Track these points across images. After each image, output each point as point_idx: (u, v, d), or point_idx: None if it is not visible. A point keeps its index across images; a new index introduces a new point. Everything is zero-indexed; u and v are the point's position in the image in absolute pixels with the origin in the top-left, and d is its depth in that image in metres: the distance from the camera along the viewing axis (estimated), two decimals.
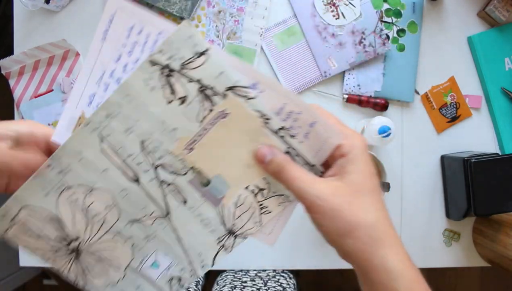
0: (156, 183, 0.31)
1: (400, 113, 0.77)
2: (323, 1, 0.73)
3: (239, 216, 0.32)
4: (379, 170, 0.70)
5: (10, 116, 0.75)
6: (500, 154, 0.74)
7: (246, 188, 0.32)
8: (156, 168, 0.30)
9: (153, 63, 0.28)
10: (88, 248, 0.32)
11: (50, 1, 0.70)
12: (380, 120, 0.66)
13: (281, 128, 0.31)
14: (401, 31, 0.75)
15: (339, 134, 0.32)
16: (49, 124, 0.74)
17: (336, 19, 0.73)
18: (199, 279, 0.78)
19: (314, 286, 1.60)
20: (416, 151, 0.77)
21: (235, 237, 0.32)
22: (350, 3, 0.73)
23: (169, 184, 0.31)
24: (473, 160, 0.68)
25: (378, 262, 0.32)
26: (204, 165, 0.31)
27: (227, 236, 0.32)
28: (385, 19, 0.75)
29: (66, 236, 0.32)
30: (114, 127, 0.30)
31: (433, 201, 0.78)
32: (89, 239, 0.32)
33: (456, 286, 1.60)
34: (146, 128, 0.30)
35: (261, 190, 0.32)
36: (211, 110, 0.29)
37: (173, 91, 0.29)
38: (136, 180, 0.31)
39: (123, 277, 0.33)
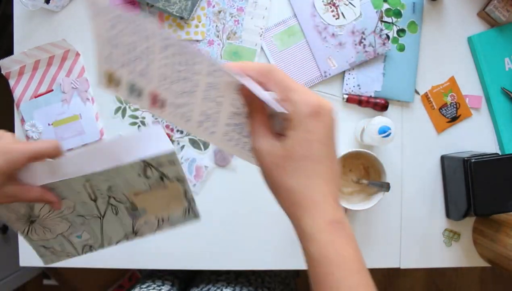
0: (105, 202, 0.49)
1: (400, 113, 0.77)
2: (323, 1, 0.73)
3: (141, 228, 0.52)
4: (379, 169, 0.70)
5: (10, 116, 0.75)
6: (500, 154, 0.74)
7: (155, 217, 0.52)
8: (109, 197, 0.48)
9: (145, 163, 0.45)
10: (40, 221, 0.49)
11: (50, 1, 0.70)
12: (380, 120, 0.66)
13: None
14: (401, 31, 0.75)
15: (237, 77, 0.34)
16: (49, 124, 0.74)
17: (336, 19, 0.73)
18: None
19: None
20: (416, 151, 0.77)
21: (135, 235, 0.52)
22: (350, 3, 0.73)
23: (112, 205, 0.49)
24: (473, 160, 0.68)
25: (296, 223, 0.36)
26: (139, 203, 0.50)
27: (131, 234, 0.52)
28: (385, 19, 0.75)
29: (31, 214, 0.48)
30: (98, 177, 0.46)
31: (433, 201, 0.78)
32: (44, 217, 0.49)
33: (456, 286, 1.60)
34: (117, 182, 0.47)
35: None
36: (159, 181, 0.48)
37: (145, 173, 0.47)
38: (94, 200, 0.48)
39: (54, 237, 0.51)
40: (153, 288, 0.75)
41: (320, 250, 0.34)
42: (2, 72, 0.73)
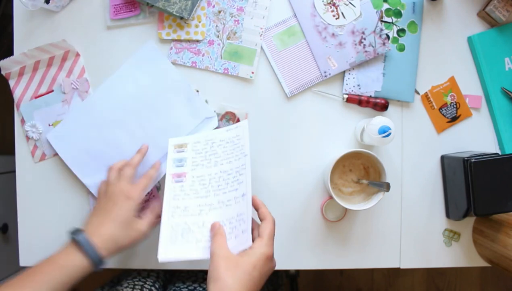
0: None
1: (400, 113, 0.77)
2: (323, 1, 0.73)
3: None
4: (379, 169, 0.70)
5: (10, 117, 0.75)
6: (500, 154, 0.74)
7: None
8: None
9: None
10: None
11: (50, 1, 0.70)
12: (380, 120, 0.66)
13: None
14: (401, 31, 0.75)
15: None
16: (49, 125, 0.74)
17: (336, 19, 0.73)
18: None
19: (314, 286, 1.60)
20: (416, 150, 0.77)
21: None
22: (350, 3, 0.73)
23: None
24: (473, 160, 0.68)
25: None
26: None
27: None
28: (385, 19, 0.75)
29: None
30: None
31: (433, 201, 0.78)
32: None
33: (456, 286, 1.60)
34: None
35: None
36: None
37: None
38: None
39: None
40: (139, 280, 0.76)
41: None
42: (2, 73, 0.73)
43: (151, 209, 0.66)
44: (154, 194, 0.74)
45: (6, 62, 0.72)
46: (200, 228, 0.60)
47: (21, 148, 0.75)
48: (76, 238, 0.58)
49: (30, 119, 0.74)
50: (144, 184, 0.65)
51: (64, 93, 0.74)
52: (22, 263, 0.76)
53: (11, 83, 0.74)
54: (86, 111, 0.73)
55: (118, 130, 0.72)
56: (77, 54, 0.74)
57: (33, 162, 0.75)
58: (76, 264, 0.57)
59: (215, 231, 0.57)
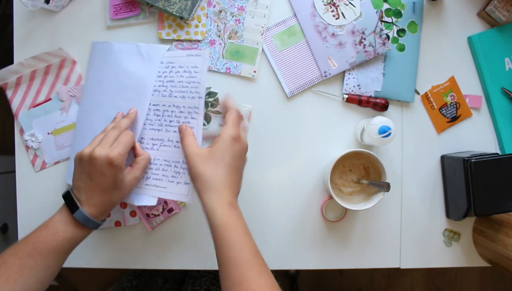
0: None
1: (400, 113, 0.77)
2: (323, 1, 0.73)
3: None
4: (379, 169, 0.70)
5: (10, 124, 0.75)
6: (500, 154, 0.74)
7: None
8: None
9: None
10: None
11: (50, 1, 0.70)
12: (380, 120, 0.66)
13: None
14: (401, 31, 0.75)
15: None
16: (48, 133, 0.73)
17: (336, 19, 0.73)
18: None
19: (314, 286, 1.60)
20: (416, 151, 0.77)
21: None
22: (350, 3, 0.73)
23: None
24: (473, 160, 0.68)
25: (205, 201, 0.54)
26: None
27: None
28: (385, 19, 0.75)
29: None
30: None
31: (433, 201, 0.78)
32: None
33: (456, 286, 1.60)
34: None
35: None
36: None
37: None
38: None
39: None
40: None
41: (221, 219, 0.52)
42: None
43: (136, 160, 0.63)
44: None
45: (2, 72, 0.71)
46: (151, 164, 0.62)
47: (21, 158, 0.75)
48: (76, 217, 0.57)
49: (29, 128, 0.73)
50: (123, 144, 0.58)
51: (62, 101, 0.74)
52: None
53: (8, 93, 0.73)
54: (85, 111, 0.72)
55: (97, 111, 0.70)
56: (74, 62, 0.74)
57: (33, 171, 0.75)
58: (76, 235, 0.57)
59: (182, 133, 0.59)
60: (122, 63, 0.68)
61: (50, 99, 0.74)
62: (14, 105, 0.74)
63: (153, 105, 0.64)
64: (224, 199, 0.53)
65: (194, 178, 0.55)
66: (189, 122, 0.61)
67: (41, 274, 0.54)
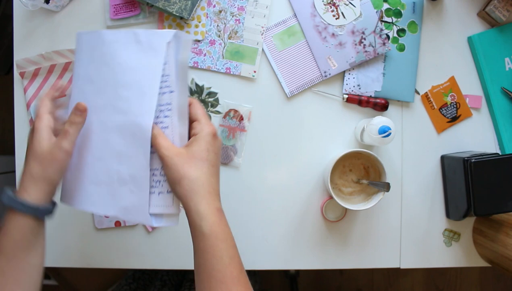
0: None
1: (400, 113, 0.77)
2: (323, 1, 0.73)
3: None
4: (379, 169, 0.70)
5: (10, 116, 0.75)
6: (500, 154, 0.74)
7: None
8: None
9: None
10: None
11: (50, 1, 0.70)
12: (380, 120, 0.66)
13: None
14: (401, 31, 0.75)
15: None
16: None
17: (336, 19, 0.73)
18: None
19: (314, 286, 1.60)
20: (416, 150, 0.77)
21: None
22: (350, 3, 0.73)
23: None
24: (473, 160, 0.68)
25: (192, 206, 0.47)
26: None
27: None
28: (385, 19, 0.75)
29: None
30: None
31: (433, 201, 0.78)
32: None
33: (456, 286, 1.60)
34: None
35: None
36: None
37: None
38: None
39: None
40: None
41: (211, 228, 0.47)
42: (16, 71, 0.73)
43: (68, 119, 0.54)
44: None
45: (21, 61, 0.72)
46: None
47: (21, 158, 0.74)
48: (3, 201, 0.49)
49: None
50: (40, 106, 0.53)
51: None
52: None
53: (24, 82, 0.74)
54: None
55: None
56: None
57: None
58: (21, 224, 0.49)
59: (153, 134, 0.50)
60: (117, 55, 0.56)
61: (64, 95, 0.73)
62: (28, 95, 0.74)
63: None
64: (212, 204, 0.48)
65: (177, 181, 0.48)
66: (162, 122, 0.52)
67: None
